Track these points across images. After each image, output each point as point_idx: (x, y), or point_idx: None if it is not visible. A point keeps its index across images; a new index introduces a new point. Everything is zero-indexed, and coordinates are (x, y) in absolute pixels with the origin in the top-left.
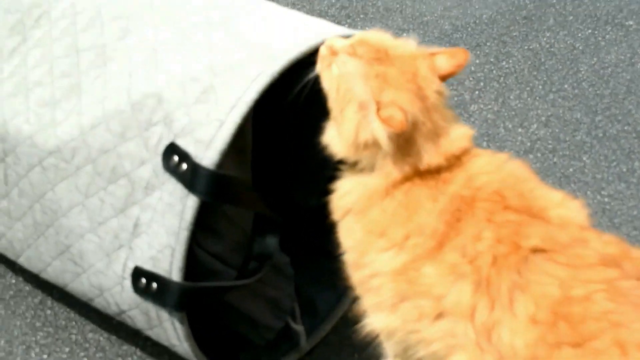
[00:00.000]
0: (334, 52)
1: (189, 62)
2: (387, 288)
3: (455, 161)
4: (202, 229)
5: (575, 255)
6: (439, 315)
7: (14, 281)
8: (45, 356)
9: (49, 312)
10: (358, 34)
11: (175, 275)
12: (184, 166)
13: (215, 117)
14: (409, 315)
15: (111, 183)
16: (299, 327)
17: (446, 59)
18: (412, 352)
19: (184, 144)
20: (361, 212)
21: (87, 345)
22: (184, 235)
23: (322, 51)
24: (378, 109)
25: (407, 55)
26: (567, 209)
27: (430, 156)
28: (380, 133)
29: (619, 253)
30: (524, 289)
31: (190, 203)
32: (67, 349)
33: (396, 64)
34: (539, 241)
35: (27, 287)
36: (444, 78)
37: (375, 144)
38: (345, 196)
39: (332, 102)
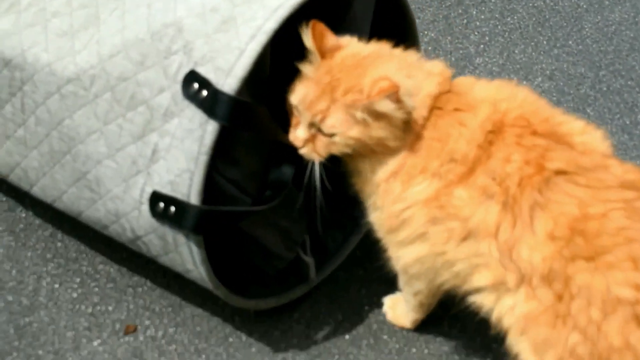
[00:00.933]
0: None
1: None
2: (419, 215)
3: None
4: (220, 156)
5: (596, 179)
6: (466, 236)
7: (23, 215)
8: (56, 285)
9: (59, 244)
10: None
11: (194, 199)
12: (204, 93)
13: (235, 46)
14: (438, 238)
15: (130, 110)
16: (309, 259)
17: None
18: (436, 281)
19: (204, 71)
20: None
21: (97, 276)
22: (203, 159)
23: None
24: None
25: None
26: (590, 136)
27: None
28: (386, 106)
29: (638, 179)
30: (543, 208)
31: (210, 128)
32: (77, 280)
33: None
34: (563, 164)
35: (37, 221)
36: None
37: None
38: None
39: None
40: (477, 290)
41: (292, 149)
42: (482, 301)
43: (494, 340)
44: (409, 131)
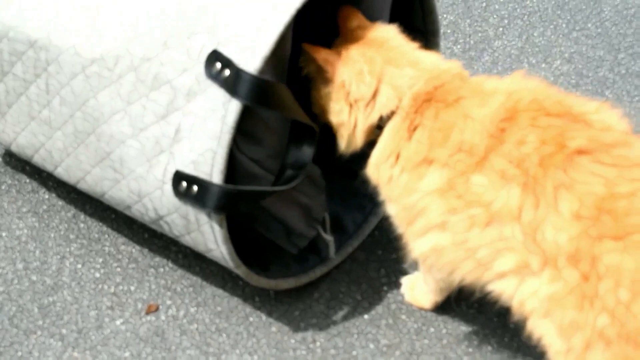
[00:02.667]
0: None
1: None
2: (435, 205)
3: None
4: (242, 135)
5: (620, 156)
6: (489, 221)
7: (47, 196)
8: (79, 266)
9: (82, 225)
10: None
11: (216, 178)
12: (227, 72)
13: (258, 26)
14: (460, 227)
15: (153, 90)
16: (328, 237)
17: None
18: (455, 274)
19: (227, 51)
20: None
21: (119, 256)
22: (225, 138)
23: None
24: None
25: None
26: (607, 115)
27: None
28: (363, 89)
29: None
30: (568, 188)
31: (232, 107)
32: (100, 260)
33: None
34: (584, 142)
35: (60, 202)
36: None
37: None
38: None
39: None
40: (499, 277)
41: (312, 129)
42: (504, 287)
43: (512, 320)
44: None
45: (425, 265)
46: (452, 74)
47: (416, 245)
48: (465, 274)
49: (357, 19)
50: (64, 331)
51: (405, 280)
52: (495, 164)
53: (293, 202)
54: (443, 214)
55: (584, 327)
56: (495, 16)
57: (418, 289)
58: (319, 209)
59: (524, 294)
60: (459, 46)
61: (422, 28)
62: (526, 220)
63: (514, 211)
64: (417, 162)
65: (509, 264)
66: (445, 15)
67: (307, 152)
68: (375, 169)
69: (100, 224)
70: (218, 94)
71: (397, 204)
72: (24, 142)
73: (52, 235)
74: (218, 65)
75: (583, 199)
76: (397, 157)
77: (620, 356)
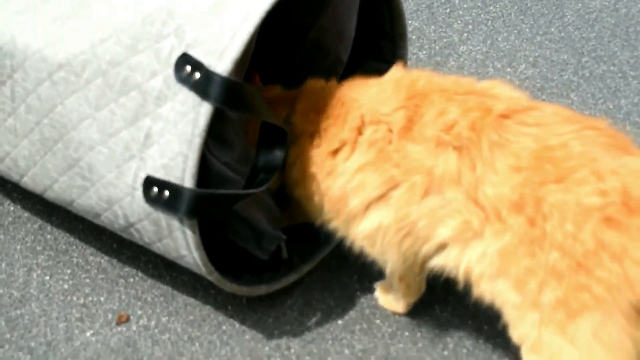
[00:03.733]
0: None
1: None
2: (371, 179)
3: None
4: (212, 138)
5: (538, 117)
6: (429, 189)
7: (12, 208)
8: (47, 277)
9: (49, 236)
10: None
11: (188, 182)
12: (197, 75)
13: (228, 28)
14: (402, 200)
15: (122, 95)
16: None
17: None
18: (401, 251)
19: (196, 54)
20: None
21: (88, 267)
22: (197, 141)
23: None
24: None
25: None
26: (505, 88)
27: None
28: None
29: (568, 114)
30: (503, 146)
31: (203, 110)
32: (68, 271)
33: None
34: (505, 107)
35: (26, 214)
36: None
37: None
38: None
39: None
40: (442, 247)
41: (283, 131)
42: (447, 258)
43: (485, 322)
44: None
45: (373, 254)
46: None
47: (360, 228)
48: (408, 252)
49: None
50: (32, 344)
51: (378, 286)
52: (426, 132)
53: (260, 204)
54: (381, 186)
55: (537, 271)
56: (459, 22)
57: (391, 294)
58: (275, 207)
59: (470, 260)
60: (424, 52)
61: (390, 32)
62: (465, 182)
63: (454, 176)
64: (330, 150)
65: (451, 229)
66: (410, 22)
67: (277, 154)
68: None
69: (68, 234)
70: (188, 97)
71: (326, 194)
72: None
73: (19, 247)
74: (188, 68)
75: (519, 154)
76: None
77: (572, 286)
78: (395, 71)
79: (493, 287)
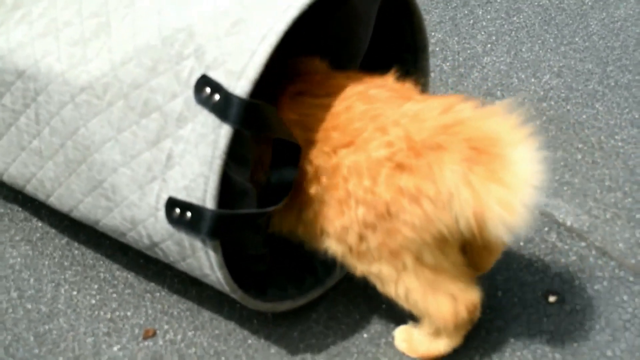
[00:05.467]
0: None
1: None
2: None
3: None
4: (231, 158)
5: (328, 86)
6: None
7: (40, 224)
8: (74, 292)
9: (76, 252)
10: None
11: (209, 203)
12: (217, 97)
13: (246, 48)
14: None
15: (143, 117)
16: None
17: None
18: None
19: (215, 75)
20: None
21: (115, 282)
22: (217, 163)
23: None
24: None
25: None
26: (315, 62)
27: None
28: None
29: (357, 76)
30: (300, 124)
31: (223, 132)
32: (95, 286)
33: None
34: (302, 85)
35: (54, 230)
36: None
37: None
38: None
39: None
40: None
41: (297, 146)
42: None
43: (524, 347)
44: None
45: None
46: None
47: None
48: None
49: None
50: (60, 359)
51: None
52: None
53: None
54: None
55: (353, 226)
56: (483, 33)
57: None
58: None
59: (330, 246)
60: (448, 63)
61: (411, 45)
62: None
63: (255, 157)
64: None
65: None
66: (433, 34)
67: (289, 174)
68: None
69: (95, 250)
70: (208, 119)
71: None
72: (15, 173)
73: (46, 262)
74: (207, 90)
75: (312, 127)
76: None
77: (385, 233)
78: None
79: (329, 249)
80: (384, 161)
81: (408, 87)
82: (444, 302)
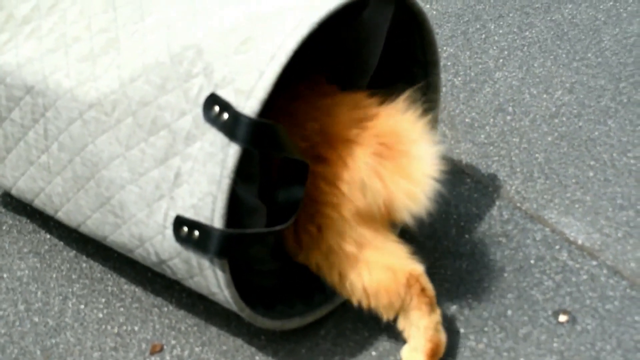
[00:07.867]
0: None
1: (227, 14)
2: None
3: None
4: (240, 176)
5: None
6: None
7: (48, 237)
8: (82, 306)
9: (84, 265)
10: None
11: (217, 223)
12: (225, 116)
13: (255, 67)
14: None
15: (152, 134)
16: None
17: None
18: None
19: (224, 94)
20: None
21: (123, 296)
22: (225, 182)
23: None
24: None
25: None
26: None
27: None
28: None
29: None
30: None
31: (232, 151)
32: (103, 300)
33: None
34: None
35: (62, 242)
36: None
37: None
38: None
39: None
40: None
41: (305, 164)
42: None
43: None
44: None
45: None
46: None
47: None
48: None
49: None
50: None
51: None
52: None
53: None
54: None
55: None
56: (495, 48)
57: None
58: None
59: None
60: (459, 78)
61: (422, 59)
62: None
63: None
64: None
65: None
66: (445, 48)
67: (297, 192)
68: None
69: (103, 263)
70: (217, 137)
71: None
72: (23, 187)
73: (54, 275)
74: (216, 108)
75: None
76: None
77: (312, 214)
78: None
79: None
80: (304, 153)
81: (331, 87)
82: (382, 276)
